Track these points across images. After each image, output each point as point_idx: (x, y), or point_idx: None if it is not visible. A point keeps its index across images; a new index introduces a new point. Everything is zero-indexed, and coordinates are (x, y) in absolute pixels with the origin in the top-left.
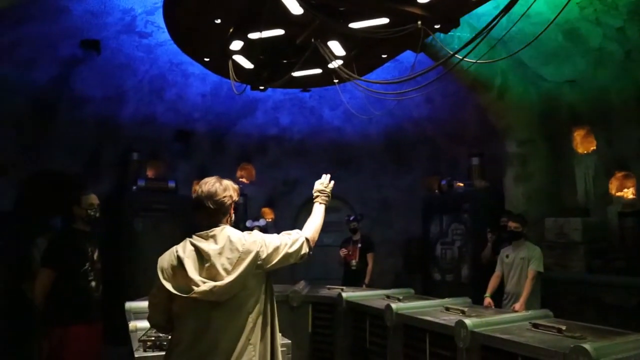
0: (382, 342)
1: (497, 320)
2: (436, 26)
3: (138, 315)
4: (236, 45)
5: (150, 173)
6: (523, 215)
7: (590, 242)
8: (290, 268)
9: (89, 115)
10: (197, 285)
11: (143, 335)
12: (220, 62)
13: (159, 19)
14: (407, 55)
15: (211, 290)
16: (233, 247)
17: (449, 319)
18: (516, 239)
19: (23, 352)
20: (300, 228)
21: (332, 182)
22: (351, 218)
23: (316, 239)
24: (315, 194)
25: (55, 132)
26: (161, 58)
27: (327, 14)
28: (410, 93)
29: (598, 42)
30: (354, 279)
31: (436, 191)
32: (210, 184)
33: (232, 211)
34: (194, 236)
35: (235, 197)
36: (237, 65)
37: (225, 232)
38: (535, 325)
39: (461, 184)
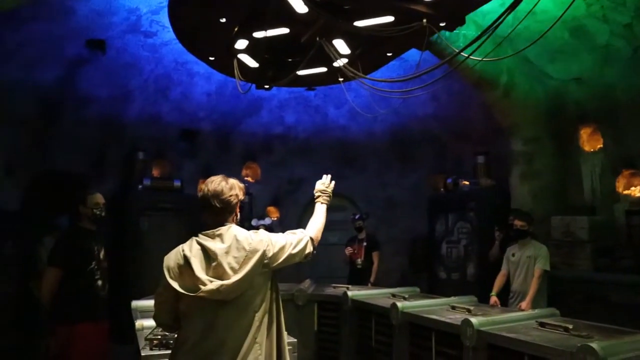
0: (387, 341)
1: (503, 319)
2: (441, 24)
3: (144, 313)
4: (241, 44)
5: (155, 172)
6: (530, 213)
7: (597, 241)
8: (296, 267)
9: (94, 115)
10: (204, 284)
11: (149, 333)
12: (225, 61)
13: (164, 18)
14: (412, 54)
15: (218, 289)
16: (240, 246)
17: (455, 317)
18: (522, 237)
19: (30, 350)
20: (305, 227)
21: (333, 182)
22: (356, 217)
23: (319, 238)
24: (316, 194)
25: (61, 131)
26: (166, 57)
27: (332, 12)
28: (415, 91)
29: (605, 39)
30: (359, 278)
31: (442, 189)
32: (216, 183)
33: (237, 210)
34: (200, 235)
35: (242, 196)
36: (242, 64)
37: (232, 231)
38: (542, 324)
39: (467, 183)
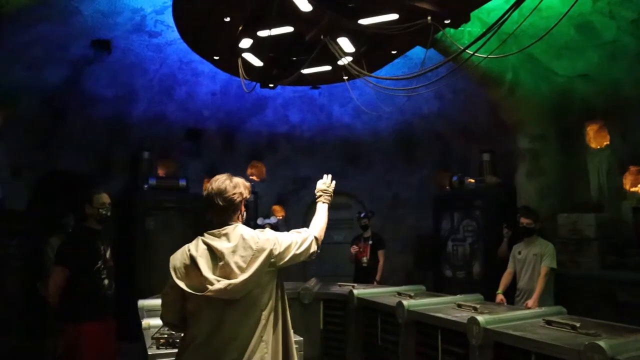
0: (394, 339)
1: (510, 317)
2: (446, 21)
3: (151, 312)
4: (245, 43)
5: (161, 172)
6: (536, 211)
7: (604, 238)
8: (302, 265)
9: (100, 115)
10: (212, 284)
11: (156, 332)
12: (230, 60)
13: (168, 18)
14: (417, 51)
15: (226, 289)
16: (246, 245)
17: (461, 315)
18: (528, 235)
19: (38, 349)
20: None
21: (334, 181)
22: (362, 215)
23: (322, 237)
24: (318, 194)
25: (67, 131)
26: (171, 57)
27: (336, 11)
28: (420, 89)
29: (612, 35)
30: (365, 276)
31: (447, 187)
32: (220, 181)
33: (242, 208)
34: (205, 234)
35: (246, 195)
36: (246, 63)
37: (238, 230)
38: (549, 322)
39: (472, 180)
